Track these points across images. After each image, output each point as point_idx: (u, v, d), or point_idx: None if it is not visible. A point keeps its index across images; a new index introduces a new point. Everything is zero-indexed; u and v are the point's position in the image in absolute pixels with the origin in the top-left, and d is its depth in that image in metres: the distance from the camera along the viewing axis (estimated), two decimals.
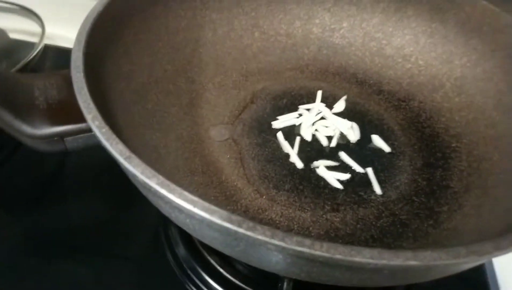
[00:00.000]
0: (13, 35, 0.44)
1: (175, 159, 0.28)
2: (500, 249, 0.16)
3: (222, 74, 0.35)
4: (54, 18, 0.45)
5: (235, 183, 0.28)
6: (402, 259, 0.15)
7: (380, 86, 0.36)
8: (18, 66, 0.32)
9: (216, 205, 0.25)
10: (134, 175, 0.17)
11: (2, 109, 0.18)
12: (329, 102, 0.34)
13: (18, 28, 0.44)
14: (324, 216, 0.26)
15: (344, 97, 0.34)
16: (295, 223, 0.26)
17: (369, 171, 0.29)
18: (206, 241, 0.19)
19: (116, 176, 0.22)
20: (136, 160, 0.17)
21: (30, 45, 0.41)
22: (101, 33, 0.25)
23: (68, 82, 0.20)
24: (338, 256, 0.15)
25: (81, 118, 0.19)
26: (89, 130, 0.19)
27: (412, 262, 0.15)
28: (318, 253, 0.15)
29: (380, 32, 0.37)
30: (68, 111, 0.20)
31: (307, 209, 0.27)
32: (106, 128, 0.18)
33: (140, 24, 0.29)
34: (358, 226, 0.26)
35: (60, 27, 0.47)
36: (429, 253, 0.15)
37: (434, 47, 0.34)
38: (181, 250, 0.29)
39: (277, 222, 0.26)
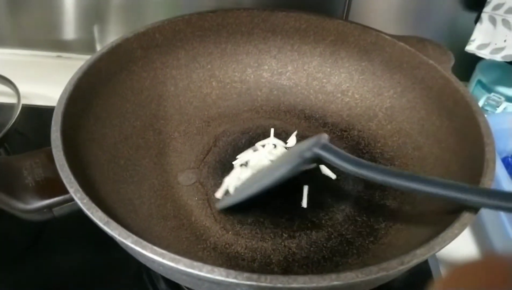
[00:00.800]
0: None
1: (149, 208, 0.32)
2: (404, 264, 0.20)
3: (186, 122, 0.39)
4: (24, 78, 0.47)
5: (204, 223, 0.32)
6: (327, 281, 0.19)
7: (325, 119, 0.41)
8: (2, 132, 0.36)
9: (188, 246, 0.29)
10: (113, 236, 0.21)
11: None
12: (282, 137, 0.39)
13: None
14: (282, 243, 0.31)
15: (295, 133, 0.39)
16: (257, 253, 0.30)
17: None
18: (178, 282, 0.23)
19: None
20: (113, 224, 0.21)
21: (3, 108, 0.44)
22: (74, 110, 0.29)
23: (50, 158, 0.24)
24: (279, 285, 0.19)
25: (65, 190, 0.23)
26: (73, 199, 0.23)
27: (336, 282, 0.19)
28: (264, 284, 0.19)
29: (320, 72, 0.42)
30: (53, 185, 0.24)
31: (268, 239, 0.31)
32: (86, 199, 0.22)
33: (108, 92, 0.34)
34: (312, 249, 0.30)
35: (31, 86, 0.49)
36: (348, 273, 0.19)
37: (366, 82, 0.40)
38: (162, 285, 0.33)
39: (242, 254, 0.30)
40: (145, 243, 0.20)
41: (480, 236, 0.36)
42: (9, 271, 0.33)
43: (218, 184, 0.35)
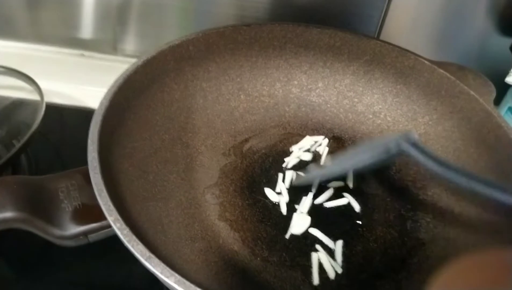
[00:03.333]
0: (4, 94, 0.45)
1: (177, 228, 0.31)
2: None
3: (213, 136, 0.39)
4: (45, 75, 0.46)
5: (231, 247, 0.31)
6: None
7: (355, 140, 0.40)
8: (26, 137, 0.35)
9: (217, 271, 0.29)
10: (154, 273, 0.20)
11: (35, 218, 0.21)
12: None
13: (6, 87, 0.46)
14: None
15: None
16: (287, 283, 0.29)
17: None
18: None
19: None
20: (155, 260, 0.20)
21: (24, 104, 0.43)
22: (108, 126, 0.28)
23: (86, 180, 0.24)
24: None
25: (102, 216, 0.22)
26: (110, 225, 0.22)
27: None
28: None
29: (351, 91, 0.41)
30: (90, 210, 0.23)
31: (297, 268, 0.30)
32: (127, 230, 0.21)
33: (139, 105, 0.33)
34: (342, 281, 0.30)
35: (52, 83, 0.49)
36: None
37: (400, 106, 0.39)
38: None
39: (271, 283, 0.29)
40: (188, 283, 0.20)
41: None
42: (24, 280, 0.32)
43: (246, 205, 0.34)
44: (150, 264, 0.20)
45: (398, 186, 0.36)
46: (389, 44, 0.38)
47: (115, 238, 0.22)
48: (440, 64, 0.36)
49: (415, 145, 0.27)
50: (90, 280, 0.32)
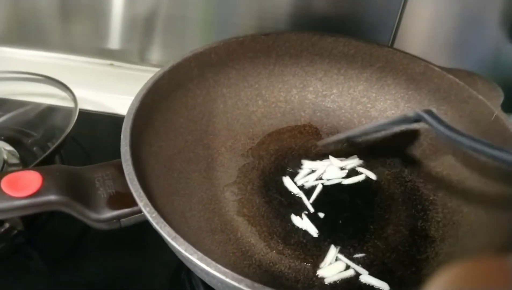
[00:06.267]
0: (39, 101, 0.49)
1: (198, 221, 0.33)
2: None
3: (232, 138, 0.41)
4: (76, 83, 0.49)
5: (249, 239, 0.33)
6: None
7: (368, 144, 0.41)
8: (60, 139, 0.38)
9: (235, 261, 0.31)
10: (179, 251, 0.22)
11: (75, 202, 0.24)
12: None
13: (44, 95, 0.50)
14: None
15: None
16: (301, 274, 0.31)
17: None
18: None
19: (141, 228, 0.27)
20: (180, 239, 0.23)
21: (58, 110, 0.46)
22: (138, 125, 0.31)
23: (119, 170, 0.26)
24: None
25: (133, 203, 0.25)
26: (140, 211, 0.25)
27: None
28: None
29: (365, 97, 0.43)
30: (122, 197, 0.25)
31: (310, 261, 0.32)
32: (155, 213, 0.24)
33: (165, 108, 0.35)
34: (354, 275, 0.31)
35: (83, 90, 0.52)
36: None
37: None
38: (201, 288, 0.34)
39: (286, 274, 0.31)
40: (209, 260, 0.22)
41: None
42: (59, 269, 0.34)
43: (262, 202, 0.36)
44: (176, 243, 0.22)
45: (409, 188, 0.38)
46: (401, 51, 0.40)
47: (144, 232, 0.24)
48: (449, 70, 0.38)
49: (428, 112, 0.32)
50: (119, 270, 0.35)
